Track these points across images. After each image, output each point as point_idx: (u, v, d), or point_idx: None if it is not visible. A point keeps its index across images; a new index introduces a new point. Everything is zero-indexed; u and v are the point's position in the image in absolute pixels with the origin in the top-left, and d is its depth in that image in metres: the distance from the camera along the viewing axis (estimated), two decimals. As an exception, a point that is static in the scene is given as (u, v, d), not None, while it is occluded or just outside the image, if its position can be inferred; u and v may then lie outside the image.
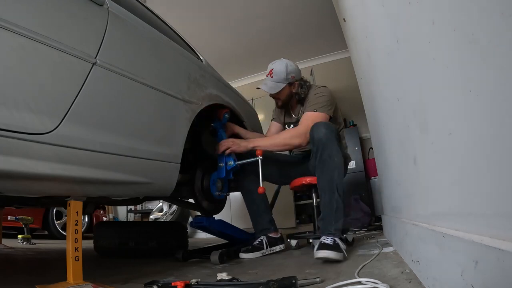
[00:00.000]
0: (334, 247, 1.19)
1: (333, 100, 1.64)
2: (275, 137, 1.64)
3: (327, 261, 1.17)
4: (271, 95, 1.76)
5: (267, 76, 1.71)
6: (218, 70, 1.89)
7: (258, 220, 1.71)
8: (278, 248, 1.66)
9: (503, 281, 0.34)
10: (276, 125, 1.89)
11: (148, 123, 1.15)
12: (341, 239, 1.28)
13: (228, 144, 1.59)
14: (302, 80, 1.74)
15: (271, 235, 1.68)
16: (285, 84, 1.69)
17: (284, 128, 1.87)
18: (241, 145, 1.59)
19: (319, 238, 1.31)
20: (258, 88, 1.75)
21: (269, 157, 1.74)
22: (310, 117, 1.55)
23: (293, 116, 1.83)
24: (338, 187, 1.33)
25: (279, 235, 1.72)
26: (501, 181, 0.37)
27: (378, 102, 1.35)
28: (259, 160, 1.54)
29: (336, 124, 1.67)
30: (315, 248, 1.20)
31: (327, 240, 1.24)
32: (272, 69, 1.70)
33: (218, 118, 1.70)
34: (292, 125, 1.83)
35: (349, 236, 1.66)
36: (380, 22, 0.92)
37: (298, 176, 1.77)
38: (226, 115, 1.70)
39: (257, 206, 1.71)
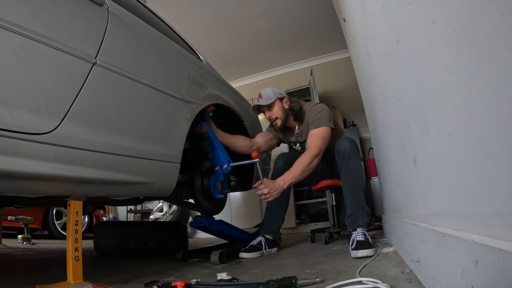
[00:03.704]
0: (368, 243, 1.31)
1: (330, 113, 1.75)
2: (297, 167, 1.60)
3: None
4: (270, 119, 1.81)
5: (258, 100, 1.81)
6: (218, 70, 1.89)
7: (271, 222, 1.76)
8: (273, 250, 1.72)
9: (503, 281, 0.34)
10: (264, 134, 1.93)
11: (148, 123, 1.15)
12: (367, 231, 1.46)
13: (265, 194, 1.53)
14: (290, 98, 1.84)
15: (270, 237, 1.72)
16: (275, 98, 1.77)
17: (289, 144, 2.01)
18: (278, 191, 1.55)
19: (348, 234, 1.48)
20: (256, 111, 1.82)
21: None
22: (316, 135, 1.67)
23: (295, 134, 1.87)
24: (362, 189, 1.58)
25: (275, 238, 1.78)
26: (501, 181, 0.37)
27: (378, 102, 1.35)
28: (257, 162, 1.58)
29: (339, 133, 1.83)
30: (351, 247, 1.30)
31: (359, 236, 1.36)
32: (260, 93, 1.82)
33: (204, 113, 1.63)
34: (298, 144, 1.91)
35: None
36: (380, 22, 0.92)
37: (322, 179, 2.02)
38: (211, 113, 1.66)
39: (278, 209, 1.77)
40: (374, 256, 1.19)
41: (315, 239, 2.14)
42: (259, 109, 1.82)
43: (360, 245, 1.28)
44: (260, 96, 1.81)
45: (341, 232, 2.13)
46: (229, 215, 3.56)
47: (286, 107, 1.79)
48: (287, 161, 1.76)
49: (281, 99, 1.80)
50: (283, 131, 1.90)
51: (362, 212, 1.54)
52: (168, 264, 1.48)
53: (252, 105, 1.84)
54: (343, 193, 1.64)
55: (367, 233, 1.40)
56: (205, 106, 1.58)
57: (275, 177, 1.68)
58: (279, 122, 1.79)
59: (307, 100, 1.95)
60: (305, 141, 1.79)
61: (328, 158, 1.80)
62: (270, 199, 1.54)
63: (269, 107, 1.78)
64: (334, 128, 1.73)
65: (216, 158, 1.63)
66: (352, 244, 1.32)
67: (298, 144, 1.93)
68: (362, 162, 1.72)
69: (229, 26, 3.56)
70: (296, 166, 1.60)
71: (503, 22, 0.32)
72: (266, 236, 1.71)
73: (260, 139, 1.89)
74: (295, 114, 1.80)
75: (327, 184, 2.00)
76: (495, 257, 0.35)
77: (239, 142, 1.81)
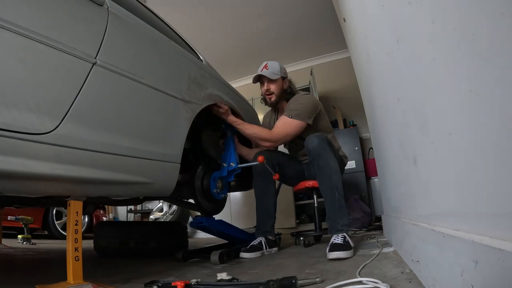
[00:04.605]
0: (344, 246, 1.29)
1: (314, 109, 1.75)
2: (255, 129, 1.72)
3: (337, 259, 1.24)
4: (266, 92, 1.85)
5: (262, 69, 1.82)
6: (218, 70, 1.89)
7: (263, 222, 1.75)
8: (273, 250, 1.72)
9: (503, 281, 0.34)
10: None
11: (148, 123, 1.15)
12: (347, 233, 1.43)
13: (222, 111, 1.64)
14: (290, 80, 1.90)
15: (269, 237, 1.73)
16: (280, 76, 1.82)
17: None
18: (229, 119, 1.68)
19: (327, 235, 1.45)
20: (256, 79, 1.85)
21: (288, 161, 1.85)
22: (284, 125, 1.70)
23: (277, 118, 1.91)
24: (337, 188, 1.49)
25: (275, 238, 1.79)
26: (501, 181, 0.37)
27: (378, 102, 1.35)
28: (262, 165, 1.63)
29: (323, 131, 1.77)
30: (327, 249, 1.30)
31: (337, 239, 1.34)
32: (267, 63, 1.83)
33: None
34: None
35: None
36: (380, 22, 0.92)
37: (303, 179, 1.94)
38: None
39: (268, 209, 1.77)
40: (375, 256, 1.19)
41: (299, 242, 1.98)
42: (259, 79, 1.85)
43: (335, 247, 1.27)
44: (266, 66, 1.81)
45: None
46: (229, 215, 3.55)
47: (285, 87, 1.84)
48: (268, 159, 1.72)
49: (283, 78, 1.84)
50: (271, 110, 1.97)
51: (340, 214, 1.46)
52: (168, 264, 1.48)
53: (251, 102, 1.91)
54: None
55: (347, 236, 1.37)
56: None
57: (255, 176, 1.76)
58: (273, 98, 1.83)
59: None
60: None
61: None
62: (223, 114, 1.64)
63: (270, 80, 1.81)
64: (312, 126, 1.72)
65: (227, 156, 1.73)
66: (329, 246, 1.31)
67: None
68: (336, 158, 1.59)
69: (229, 26, 3.56)
70: (254, 126, 1.72)
71: (503, 22, 0.32)
72: (268, 237, 1.71)
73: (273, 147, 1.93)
74: (288, 96, 1.84)
75: (306, 186, 1.92)
76: (495, 257, 0.35)
77: (255, 153, 1.85)
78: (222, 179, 1.73)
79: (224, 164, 1.72)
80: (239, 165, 1.73)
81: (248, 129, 1.72)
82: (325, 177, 1.51)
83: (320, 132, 1.65)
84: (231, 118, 1.68)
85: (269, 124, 1.97)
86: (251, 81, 1.93)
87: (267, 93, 1.84)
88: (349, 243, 1.33)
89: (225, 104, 1.72)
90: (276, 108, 1.94)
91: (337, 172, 1.53)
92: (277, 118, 1.93)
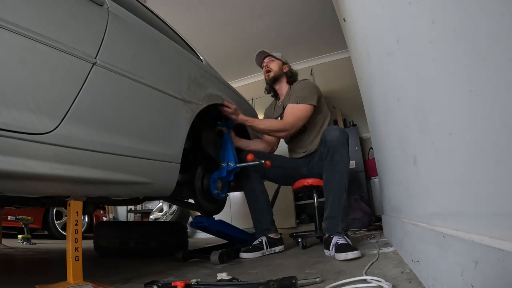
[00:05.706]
0: (351, 246, 1.26)
1: (316, 91, 1.80)
2: (267, 123, 1.78)
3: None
4: (266, 67, 1.94)
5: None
6: (218, 70, 1.89)
7: (259, 220, 1.71)
8: (277, 249, 1.68)
9: (503, 281, 0.34)
10: None
11: (148, 123, 1.15)
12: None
13: (231, 111, 1.65)
14: (291, 67, 1.99)
15: (271, 235, 1.69)
16: (280, 59, 1.95)
17: None
18: (239, 118, 1.68)
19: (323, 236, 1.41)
20: (258, 57, 1.97)
21: (274, 160, 1.80)
22: (294, 111, 1.72)
23: (279, 103, 1.96)
24: (345, 189, 1.43)
25: (279, 236, 1.74)
26: (501, 181, 0.37)
27: (378, 102, 1.35)
28: (262, 164, 1.62)
29: (321, 114, 1.82)
30: (333, 250, 1.27)
31: (341, 240, 1.31)
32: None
33: (226, 119, 1.78)
34: (279, 119, 1.94)
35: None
36: (380, 22, 0.92)
37: (300, 178, 1.88)
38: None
39: (260, 206, 1.73)
40: (376, 258, 1.19)
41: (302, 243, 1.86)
42: (261, 55, 1.97)
43: (343, 248, 1.23)
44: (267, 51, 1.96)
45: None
46: (229, 215, 3.55)
47: (285, 70, 1.93)
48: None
49: (284, 63, 1.95)
50: (272, 95, 2.04)
51: (343, 216, 1.41)
52: (168, 264, 1.48)
53: (253, 106, 1.98)
54: (323, 189, 1.50)
55: (346, 237, 1.35)
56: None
57: (244, 177, 1.76)
58: (271, 75, 1.93)
59: None
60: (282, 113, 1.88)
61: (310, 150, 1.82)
62: (232, 115, 1.66)
63: (271, 58, 1.95)
64: (316, 106, 1.74)
65: (225, 156, 1.71)
66: (334, 247, 1.27)
67: (279, 119, 1.93)
68: (349, 161, 1.52)
69: (229, 26, 3.55)
70: (265, 121, 1.79)
71: (503, 22, 0.32)
72: (269, 235, 1.68)
73: (272, 138, 1.96)
74: (289, 79, 1.93)
75: (304, 184, 1.85)
76: (495, 257, 0.35)
77: (255, 145, 1.92)
78: (222, 179, 1.72)
79: (223, 164, 1.70)
80: (238, 165, 1.69)
81: (260, 124, 1.76)
82: (337, 174, 1.42)
83: (340, 127, 1.72)
84: (241, 117, 1.69)
85: (272, 113, 2.00)
86: (252, 81, 1.97)
87: (266, 68, 1.93)
88: (351, 244, 1.31)
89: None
90: (277, 94, 2.00)
91: (348, 172, 1.45)
92: (279, 104, 1.96)
